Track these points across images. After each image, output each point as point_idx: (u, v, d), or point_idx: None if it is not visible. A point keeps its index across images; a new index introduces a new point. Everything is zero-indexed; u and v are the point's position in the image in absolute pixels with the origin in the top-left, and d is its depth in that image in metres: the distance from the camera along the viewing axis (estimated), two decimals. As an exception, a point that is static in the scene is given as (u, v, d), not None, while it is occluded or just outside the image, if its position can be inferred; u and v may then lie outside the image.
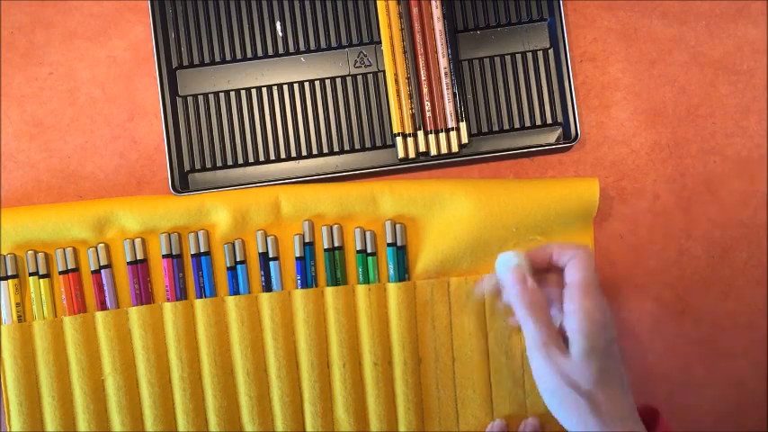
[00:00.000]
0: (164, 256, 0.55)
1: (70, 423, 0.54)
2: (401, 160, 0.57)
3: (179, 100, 0.57)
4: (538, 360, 0.44)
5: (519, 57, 0.58)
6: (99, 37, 0.58)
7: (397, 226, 0.56)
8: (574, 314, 0.44)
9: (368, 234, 0.56)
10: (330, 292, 0.55)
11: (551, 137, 0.58)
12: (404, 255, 0.56)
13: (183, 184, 0.57)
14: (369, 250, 0.56)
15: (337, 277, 0.56)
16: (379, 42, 0.57)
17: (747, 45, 0.58)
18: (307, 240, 0.56)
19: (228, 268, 0.56)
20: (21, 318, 0.55)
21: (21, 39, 0.58)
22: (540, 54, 0.58)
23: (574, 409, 0.43)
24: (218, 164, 0.57)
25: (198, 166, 0.57)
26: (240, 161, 0.57)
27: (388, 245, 0.56)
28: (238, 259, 0.56)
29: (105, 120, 0.58)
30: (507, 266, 0.47)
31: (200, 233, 0.56)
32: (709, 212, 0.58)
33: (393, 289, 0.55)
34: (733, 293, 0.58)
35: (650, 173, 0.58)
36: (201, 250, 0.56)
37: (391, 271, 0.56)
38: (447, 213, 0.55)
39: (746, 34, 0.58)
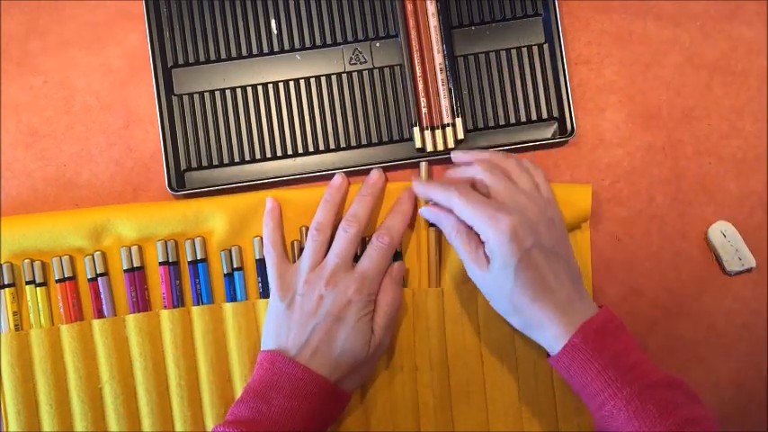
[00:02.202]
0: (160, 264, 0.55)
1: (68, 431, 0.54)
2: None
3: (175, 99, 0.57)
4: (470, 278, 0.50)
5: (514, 52, 0.58)
6: (93, 45, 0.58)
7: (394, 231, 0.56)
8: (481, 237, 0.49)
9: (365, 240, 0.56)
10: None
11: (547, 132, 0.58)
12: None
13: (179, 182, 0.57)
14: (366, 255, 0.56)
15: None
16: (374, 39, 0.57)
17: (742, 46, 0.58)
18: (303, 246, 0.56)
19: (225, 275, 0.56)
20: (18, 326, 0.55)
21: (15, 48, 0.58)
22: (534, 49, 0.58)
23: (504, 313, 0.50)
24: (215, 162, 0.57)
25: (194, 165, 0.57)
26: (237, 159, 0.57)
27: (385, 250, 0.56)
28: (235, 266, 0.56)
29: (101, 128, 0.58)
30: (426, 209, 0.52)
31: (197, 240, 0.56)
32: (704, 214, 0.58)
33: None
34: (730, 294, 0.58)
35: (646, 175, 0.58)
36: (198, 257, 0.56)
37: (388, 276, 0.56)
38: None
39: (741, 35, 0.58)
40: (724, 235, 0.57)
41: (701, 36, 0.58)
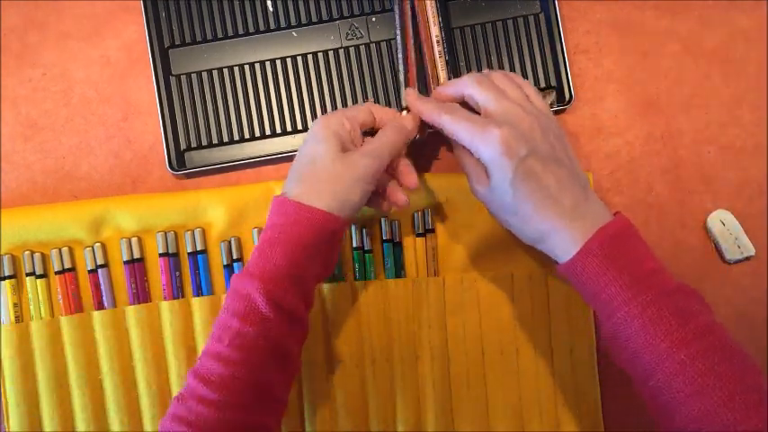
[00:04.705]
0: (160, 255, 0.55)
1: (68, 422, 0.54)
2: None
3: (173, 79, 0.57)
4: (475, 196, 0.49)
5: (510, 23, 0.58)
6: (92, 37, 0.58)
7: (393, 223, 0.56)
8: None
9: (364, 231, 0.56)
10: (327, 288, 0.55)
11: (546, 101, 0.58)
12: (400, 252, 0.56)
13: (179, 162, 0.57)
14: (366, 247, 0.56)
15: (334, 273, 0.56)
16: (370, 14, 0.57)
17: (740, 35, 0.58)
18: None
19: (225, 266, 0.56)
20: (18, 318, 0.55)
21: (14, 40, 0.58)
22: (531, 19, 0.58)
23: (515, 229, 0.48)
24: (215, 141, 0.57)
25: (194, 145, 0.57)
26: (236, 137, 0.57)
27: (384, 241, 0.56)
28: (235, 257, 0.56)
29: (99, 120, 0.58)
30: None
31: (197, 231, 0.56)
32: (703, 203, 0.58)
33: (390, 285, 0.55)
34: (729, 283, 0.58)
35: (645, 164, 0.58)
36: (198, 248, 0.56)
37: (388, 267, 0.56)
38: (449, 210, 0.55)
39: (739, 24, 0.58)
40: (723, 223, 0.57)
41: (699, 25, 0.59)
